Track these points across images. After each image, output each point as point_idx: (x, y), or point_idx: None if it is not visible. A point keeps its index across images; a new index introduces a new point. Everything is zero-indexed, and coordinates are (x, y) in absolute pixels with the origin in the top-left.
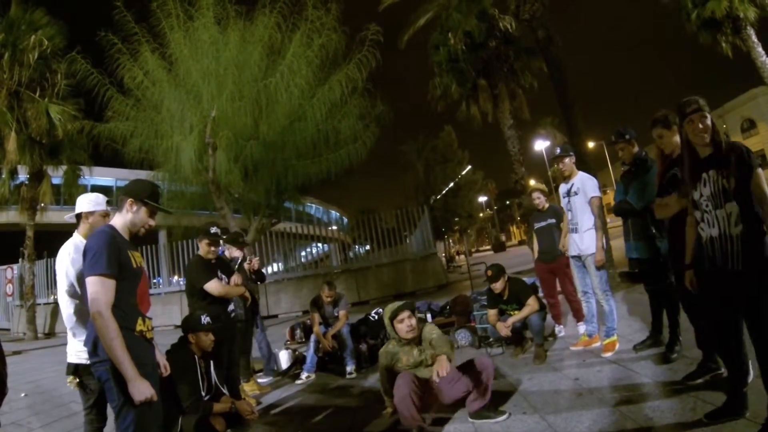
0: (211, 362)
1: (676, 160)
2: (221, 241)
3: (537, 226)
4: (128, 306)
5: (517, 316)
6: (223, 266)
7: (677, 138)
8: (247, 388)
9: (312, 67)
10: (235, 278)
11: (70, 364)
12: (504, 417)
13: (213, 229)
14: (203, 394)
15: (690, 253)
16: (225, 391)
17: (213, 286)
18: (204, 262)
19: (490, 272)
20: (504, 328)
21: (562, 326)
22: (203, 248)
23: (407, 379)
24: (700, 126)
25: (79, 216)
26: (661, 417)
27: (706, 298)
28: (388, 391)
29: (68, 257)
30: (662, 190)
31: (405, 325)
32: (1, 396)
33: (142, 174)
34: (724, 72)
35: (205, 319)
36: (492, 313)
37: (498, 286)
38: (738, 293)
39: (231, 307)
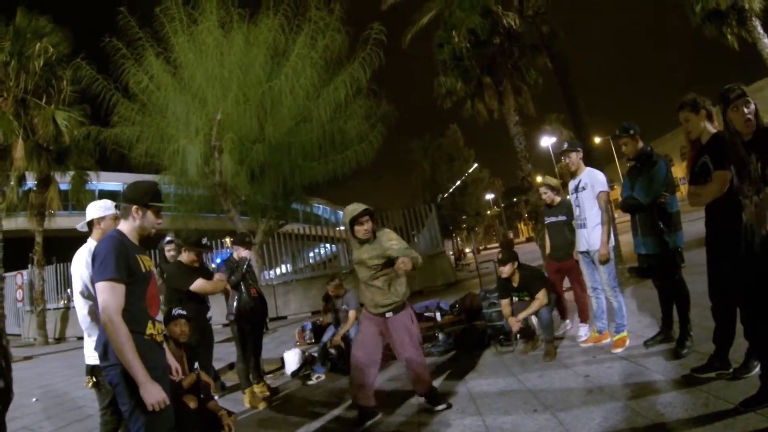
0: (194, 362)
1: (706, 146)
2: (228, 243)
3: (548, 221)
4: (138, 310)
5: (526, 312)
6: (204, 271)
7: (704, 123)
8: (257, 390)
9: (316, 68)
10: (218, 275)
11: (87, 366)
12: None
13: (204, 240)
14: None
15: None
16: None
17: (202, 285)
18: (185, 267)
19: (500, 255)
20: (516, 324)
21: (569, 321)
22: (189, 257)
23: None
24: (746, 110)
25: (90, 223)
26: (673, 413)
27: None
28: None
29: (83, 261)
30: (694, 179)
31: (363, 228)
32: (8, 401)
33: (148, 178)
34: (730, 64)
35: (175, 312)
36: (505, 303)
37: (506, 270)
38: None
39: (209, 313)
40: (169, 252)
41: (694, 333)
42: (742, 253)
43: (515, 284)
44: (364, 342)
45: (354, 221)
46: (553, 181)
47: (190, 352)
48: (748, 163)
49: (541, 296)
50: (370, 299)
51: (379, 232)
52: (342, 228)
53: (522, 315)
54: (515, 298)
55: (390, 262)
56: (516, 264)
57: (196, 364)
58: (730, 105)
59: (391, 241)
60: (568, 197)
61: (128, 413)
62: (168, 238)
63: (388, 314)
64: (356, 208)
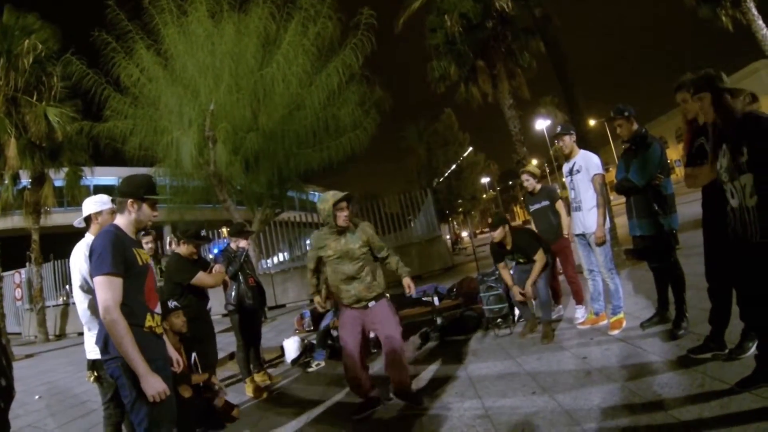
0: (194, 354)
1: (703, 128)
2: (225, 233)
3: (532, 208)
4: (136, 303)
5: (531, 278)
6: (202, 263)
7: None
8: (258, 378)
9: (308, 55)
10: (217, 267)
11: (88, 360)
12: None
13: (203, 233)
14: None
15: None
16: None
17: (204, 278)
18: (185, 260)
19: (491, 220)
20: (519, 294)
21: (561, 306)
22: (187, 249)
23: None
24: (698, 107)
25: (87, 219)
26: (670, 393)
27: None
28: (314, 275)
29: (82, 255)
30: (691, 160)
31: (344, 214)
32: (9, 399)
33: (143, 172)
34: (725, 46)
35: (172, 303)
36: (501, 266)
37: (497, 234)
38: (759, 262)
39: (209, 305)
40: (147, 245)
41: (689, 314)
42: (731, 236)
43: (508, 247)
44: (346, 324)
45: (336, 204)
46: (534, 170)
47: (188, 344)
48: (715, 150)
49: (539, 257)
50: (352, 296)
51: (362, 223)
52: None
53: (529, 282)
54: (511, 263)
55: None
56: (507, 227)
57: (194, 356)
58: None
59: (371, 230)
60: (565, 179)
61: (130, 405)
62: (143, 231)
63: (371, 304)
64: (337, 193)
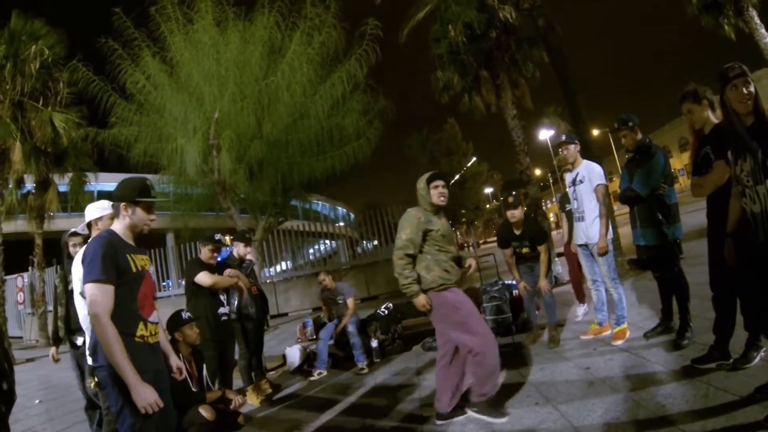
0: (203, 365)
1: (709, 137)
2: (228, 241)
3: (569, 207)
4: (128, 311)
5: (542, 273)
6: (221, 270)
7: (707, 113)
8: (260, 386)
9: (313, 64)
10: (230, 270)
11: (90, 366)
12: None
13: (217, 236)
14: (193, 390)
15: (732, 223)
16: (214, 387)
17: (203, 278)
18: (201, 262)
19: (511, 198)
20: (523, 289)
21: (585, 305)
22: (205, 253)
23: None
24: (744, 92)
25: (89, 225)
26: (674, 404)
27: (749, 271)
28: (409, 263)
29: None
30: (697, 170)
31: (439, 191)
32: (11, 403)
33: (148, 177)
34: (728, 55)
35: (185, 315)
36: (508, 253)
37: (517, 213)
38: None
39: (223, 309)
40: (74, 247)
41: (693, 324)
42: (753, 241)
43: (518, 232)
44: (468, 301)
45: (431, 181)
46: None
47: (197, 355)
48: (749, 146)
49: (543, 249)
50: (452, 275)
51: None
52: (341, 224)
53: (542, 276)
54: (518, 249)
55: None
56: (523, 210)
57: (205, 374)
58: (728, 84)
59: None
60: (568, 189)
61: (116, 414)
62: (72, 230)
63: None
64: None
